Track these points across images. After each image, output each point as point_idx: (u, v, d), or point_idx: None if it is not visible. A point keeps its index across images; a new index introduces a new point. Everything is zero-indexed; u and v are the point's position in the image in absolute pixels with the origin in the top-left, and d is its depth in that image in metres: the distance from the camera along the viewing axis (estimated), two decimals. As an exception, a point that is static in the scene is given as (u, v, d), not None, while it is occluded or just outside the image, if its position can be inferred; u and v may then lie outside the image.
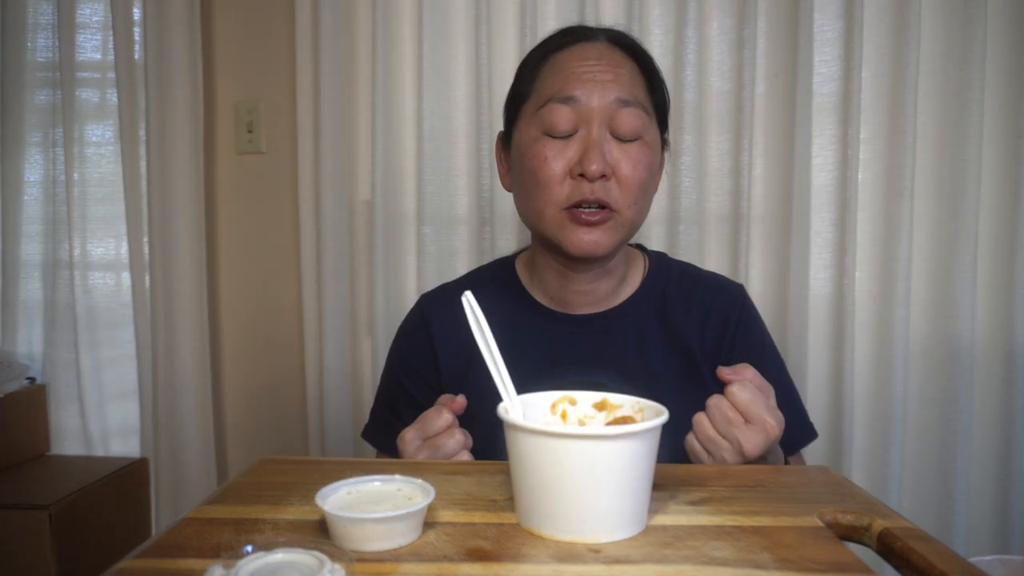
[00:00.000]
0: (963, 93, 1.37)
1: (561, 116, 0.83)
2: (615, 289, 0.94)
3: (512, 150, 0.92)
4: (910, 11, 1.36)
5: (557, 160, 0.83)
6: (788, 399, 0.87)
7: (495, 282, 0.99)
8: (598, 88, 0.83)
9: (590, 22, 1.30)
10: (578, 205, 0.83)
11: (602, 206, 0.83)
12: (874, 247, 1.44)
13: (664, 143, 0.92)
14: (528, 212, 0.89)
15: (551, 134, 0.84)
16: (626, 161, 0.84)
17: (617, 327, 0.93)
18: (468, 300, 0.61)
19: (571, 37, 0.88)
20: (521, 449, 0.52)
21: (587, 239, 0.84)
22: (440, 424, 0.75)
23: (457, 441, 0.74)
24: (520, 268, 0.99)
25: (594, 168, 0.81)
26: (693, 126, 1.43)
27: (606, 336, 0.92)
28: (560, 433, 0.51)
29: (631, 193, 0.84)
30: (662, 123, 0.91)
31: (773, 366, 0.93)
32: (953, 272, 1.39)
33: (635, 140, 0.84)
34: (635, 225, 0.87)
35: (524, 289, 0.97)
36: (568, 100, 0.83)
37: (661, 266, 0.98)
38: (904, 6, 1.37)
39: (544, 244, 0.90)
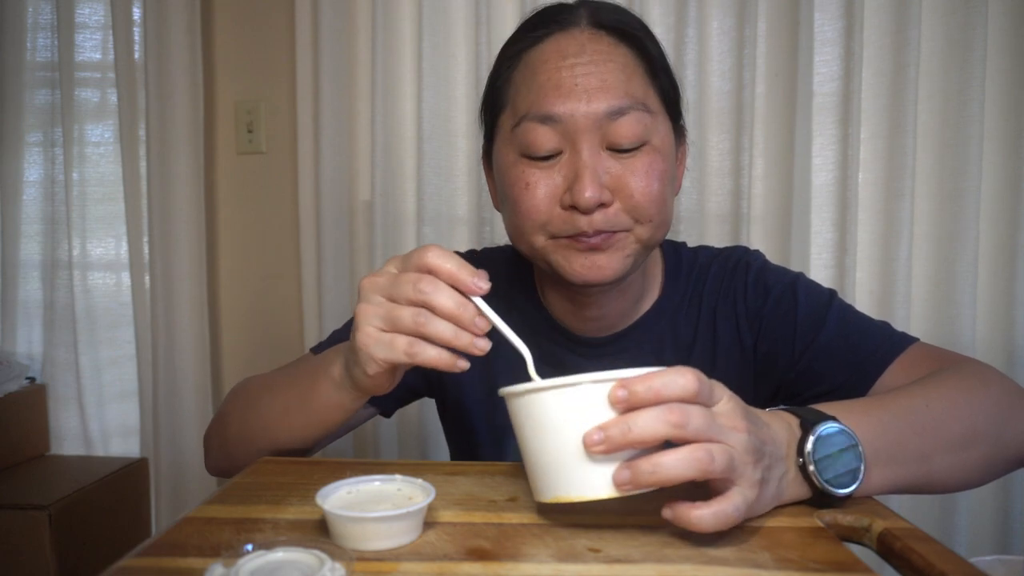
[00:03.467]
0: (963, 93, 1.37)
1: (540, 137, 0.69)
2: (631, 308, 0.81)
3: (493, 169, 0.78)
4: (910, 11, 1.36)
5: (541, 187, 0.70)
6: (862, 330, 0.75)
7: (508, 281, 0.86)
8: (583, 99, 0.67)
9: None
10: (574, 236, 0.70)
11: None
12: (874, 247, 1.43)
13: (680, 132, 0.78)
14: (517, 240, 0.76)
15: (530, 156, 0.70)
16: (631, 176, 0.69)
17: (631, 351, 0.81)
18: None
19: (545, 28, 0.72)
20: (531, 413, 0.51)
21: (591, 264, 0.70)
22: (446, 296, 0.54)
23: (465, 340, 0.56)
24: (535, 269, 0.85)
25: (588, 196, 0.66)
26: (693, 126, 1.43)
27: (618, 359, 0.80)
28: (569, 383, 0.49)
29: (642, 211, 0.69)
30: (672, 112, 0.75)
31: (831, 325, 0.75)
32: (953, 272, 1.39)
33: (640, 147, 0.69)
34: (652, 241, 0.73)
35: (539, 299, 0.84)
36: (547, 120, 0.68)
37: (679, 270, 0.84)
38: (904, 6, 1.37)
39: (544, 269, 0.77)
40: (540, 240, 0.72)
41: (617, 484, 0.48)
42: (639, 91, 0.70)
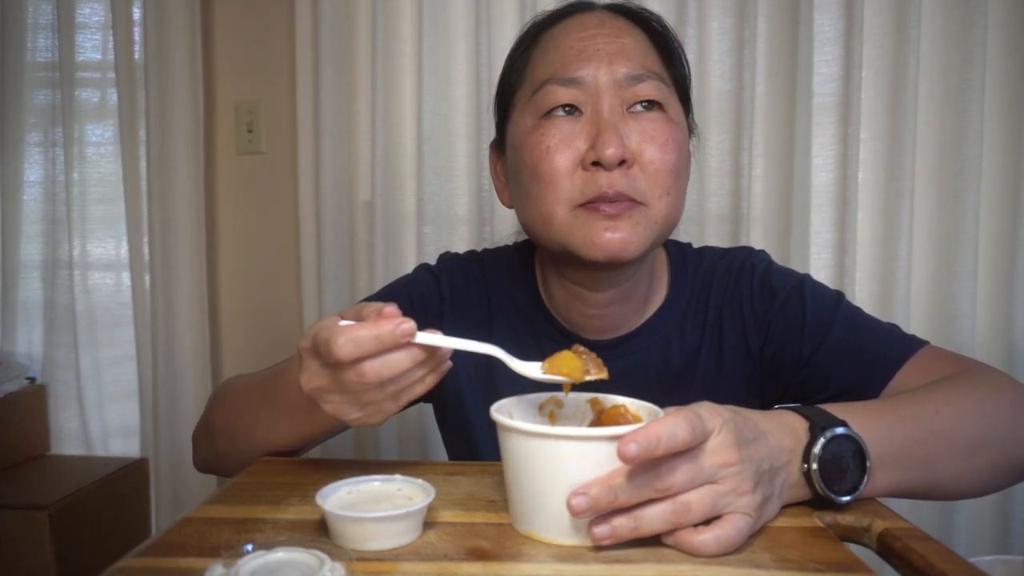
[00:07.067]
0: (963, 93, 1.37)
1: (562, 97, 0.70)
2: (637, 311, 0.80)
3: (507, 152, 0.78)
4: (910, 11, 1.36)
5: (563, 149, 0.69)
6: (870, 333, 0.75)
7: (511, 281, 0.86)
8: (604, 62, 0.69)
9: None
10: (595, 200, 0.68)
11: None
12: (874, 247, 1.43)
13: (690, 127, 0.80)
14: (534, 219, 0.73)
15: (550, 113, 0.71)
16: (650, 143, 0.69)
17: (637, 354, 0.79)
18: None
19: (565, 10, 0.76)
20: (517, 451, 0.51)
21: (611, 237, 0.68)
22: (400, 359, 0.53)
23: (426, 384, 0.56)
24: (538, 269, 0.84)
25: (611, 152, 0.66)
26: (693, 126, 1.43)
27: (622, 362, 0.78)
28: (558, 435, 0.49)
29: (661, 181, 0.70)
30: (684, 101, 0.78)
31: (838, 328, 0.75)
32: (953, 272, 1.39)
33: (657, 116, 0.71)
34: (669, 221, 0.72)
35: (543, 301, 0.83)
36: (569, 82, 0.70)
37: (684, 272, 0.83)
38: (904, 6, 1.37)
39: (556, 258, 0.76)
40: (561, 212, 0.70)
41: (595, 539, 0.48)
42: (655, 67, 0.73)
